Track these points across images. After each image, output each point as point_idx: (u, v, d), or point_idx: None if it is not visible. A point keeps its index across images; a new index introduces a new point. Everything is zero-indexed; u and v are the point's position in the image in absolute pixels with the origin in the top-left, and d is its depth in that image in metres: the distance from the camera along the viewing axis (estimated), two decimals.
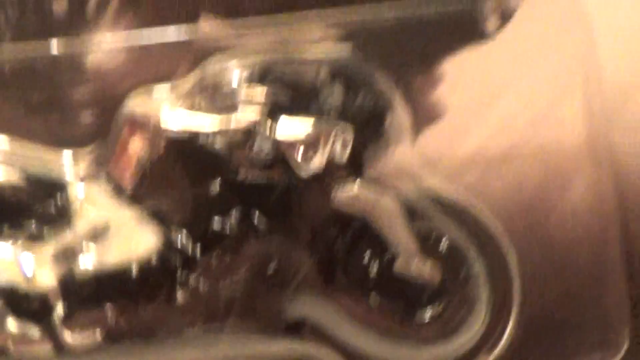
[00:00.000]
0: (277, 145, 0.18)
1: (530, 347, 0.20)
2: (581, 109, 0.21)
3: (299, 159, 0.18)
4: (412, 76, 0.21)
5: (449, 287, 0.19)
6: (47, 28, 0.22)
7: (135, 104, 0.19)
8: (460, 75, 0.21)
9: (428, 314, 0.19)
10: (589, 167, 0.21)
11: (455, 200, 0.20)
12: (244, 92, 0.18)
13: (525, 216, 0.21)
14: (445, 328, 0.19)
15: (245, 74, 0.18)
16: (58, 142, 0.22)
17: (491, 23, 0.22)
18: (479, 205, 0.20)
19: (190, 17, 0.22)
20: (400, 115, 0.20)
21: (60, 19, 0.22)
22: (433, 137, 0.21)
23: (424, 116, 0.21)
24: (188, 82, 0.20)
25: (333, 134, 0.18)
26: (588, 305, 0.21)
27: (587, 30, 0.21)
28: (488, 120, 0.22)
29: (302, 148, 0.18)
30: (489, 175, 0.21)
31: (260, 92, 0.18)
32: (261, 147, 0.18)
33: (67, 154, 0.20)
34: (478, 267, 0.19)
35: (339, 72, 0.19)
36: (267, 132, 0.18)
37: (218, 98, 0.19)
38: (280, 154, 0.18)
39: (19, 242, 0.19)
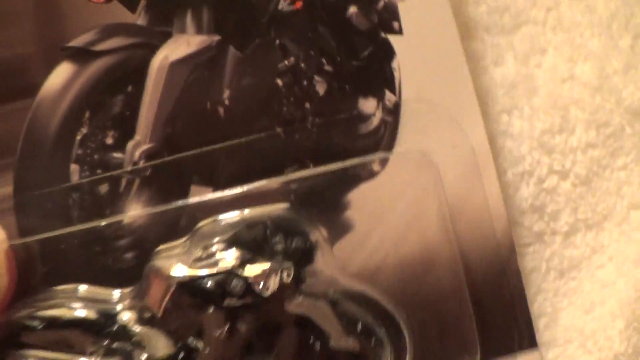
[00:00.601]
0: (246, 281, 0.28)
1: None
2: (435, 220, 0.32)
3: (261, 287, 0.28)
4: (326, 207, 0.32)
5: (365, 352, 0.29)
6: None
7: (157, 259, 0.30)
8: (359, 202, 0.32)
9: None
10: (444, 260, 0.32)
11: (363, 292, 0.30)
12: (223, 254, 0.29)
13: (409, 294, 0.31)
14: None
15: (221, 239, 0.29)
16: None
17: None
18: (378, 293, 0.31)
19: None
20: (322, 245, 0.30)
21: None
22: (342, 249, 0.31)
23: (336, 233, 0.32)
24: (185, 242, 0.31)
25: (280, 268, 0.29)
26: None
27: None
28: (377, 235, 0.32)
29: (262, 281, 0.28)
30: (383, 271, 0.31)
31: (233, 253, 0.29)
32: (236, 284, 0.28)
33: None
34: (382, 336, 0.29)
35: (279, 226, 0.30)
36: (239, 273, 0.28)
37: (204, 254, 0.29)
38: (249, 286, 0.28)
39: None
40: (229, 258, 0.28)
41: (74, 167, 0.32)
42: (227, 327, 0.28)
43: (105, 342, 0.29)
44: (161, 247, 0.30)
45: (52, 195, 0.32)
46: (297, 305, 0.29)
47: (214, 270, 0.28)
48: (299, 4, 0.31)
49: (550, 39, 0.35)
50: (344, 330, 0.29)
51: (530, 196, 0.34)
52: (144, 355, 0.28)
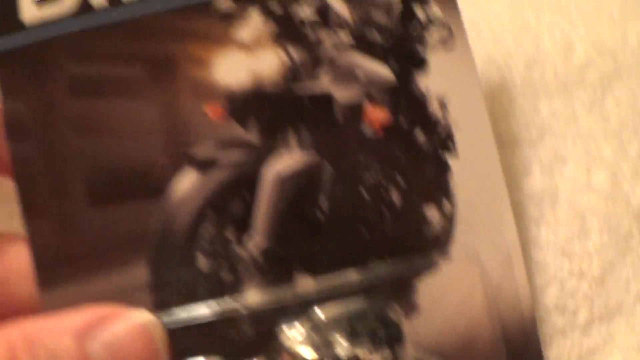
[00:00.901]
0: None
1: None
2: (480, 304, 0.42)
3: None
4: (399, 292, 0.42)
5: None
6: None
7: (284, 339, 0.39)
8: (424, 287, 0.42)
9: None
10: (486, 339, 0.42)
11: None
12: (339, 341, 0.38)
13: None
14: None
15: (337, 326, 0.38)
16: None
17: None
18: None
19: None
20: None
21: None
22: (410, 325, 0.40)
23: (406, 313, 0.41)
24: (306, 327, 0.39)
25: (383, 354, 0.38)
26: None
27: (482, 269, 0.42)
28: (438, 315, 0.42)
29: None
30: (441, 344, 0.41)
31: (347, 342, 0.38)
32: None
33: None
34: None
35: (379, 316, 0.39)
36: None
37: (323, 340, 0.38)
38: None
39: None
40: (346, 346, 0.37)
41: (200, 257, 0.39)
42: None
43: None
44: (283, 326, 0.38)
45: (182, 279, 0.39)
46: None
47: (338, 351, 0.37)
48: (379, 131, 0.40)
49: (570, 150, 0.40)
50: None
51: (554, 297, 0.41)
52: None
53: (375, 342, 0.36)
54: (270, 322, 0.39)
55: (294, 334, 0.38)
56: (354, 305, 0.38)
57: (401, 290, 0.40)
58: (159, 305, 0.39)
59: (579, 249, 0.42)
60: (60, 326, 0.32)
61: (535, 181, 0.42)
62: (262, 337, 0.39)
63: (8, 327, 0.31)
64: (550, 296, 0.42)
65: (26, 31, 0.40)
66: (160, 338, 0.35)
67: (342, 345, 0.36)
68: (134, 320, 0.34)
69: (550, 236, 0.42)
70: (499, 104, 0.43)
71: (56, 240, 0.37)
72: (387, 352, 0.36)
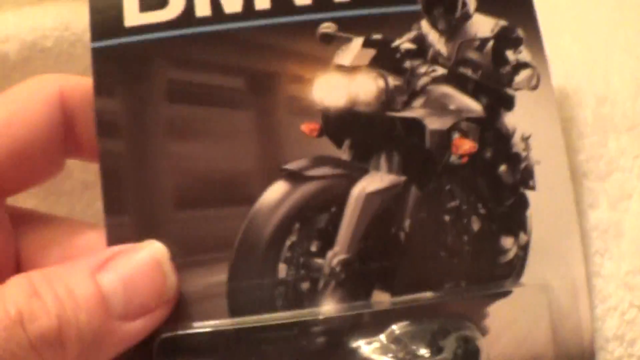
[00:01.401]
0: None
1: None
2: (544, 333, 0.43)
3: None
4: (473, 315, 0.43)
5: None
6: None
7: (364, 349, 0.40)
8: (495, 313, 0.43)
9: None
10: None
11: None
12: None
13: None
14: None
15: (420, 342, 0.39)
16: None
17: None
18: None
19: None
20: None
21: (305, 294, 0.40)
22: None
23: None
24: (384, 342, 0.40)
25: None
26: None
27: (550, 300, 0.43)
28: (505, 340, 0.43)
29: None
30: None
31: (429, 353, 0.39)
32: None
33: None
34: None
35: (459, 333, 0.40)
36: None
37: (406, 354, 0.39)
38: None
39: None
40: (428, 357, 0.38)
41: (282, 266, 0.40)
42: None
43: None
44: (361, 341, 0.39)
45: (261, 287, 0.40)
46: None
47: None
48: (465, 159, 0.41)
49: (636, 185, 0.42)
50: None
51: (614, 327, 0.43)
52: None
53: (456, 358, 0.37)
54: (345, 335, 0.40)
55: (373, 347, 0.38)
56: (432, 323, 0.39)
57: (474, 314, 0.40)
58: (235, 310, 0.40)
59: None
60: (77, 265, 0.33)
61: (602, 214, 0.44)
62: (335, 348, 0.39)
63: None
64: (610, 326, 0.43)
65: (128, 35, 0.41)
66: (169, 267, 0.36)
67: (423, 358, 0.37)
68: (144, 252, 0.35)
69: (614, 268, 0.43)
70: (569, 138, 0.45)
71: (134, 238, 0.37)
72: None
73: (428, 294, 0.40)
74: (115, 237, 0.37)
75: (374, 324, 0.40)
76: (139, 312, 0.34)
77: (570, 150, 0.43)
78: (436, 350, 0.38)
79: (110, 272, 0.34)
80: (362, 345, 0.39)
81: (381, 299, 0.40)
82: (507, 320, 0.41)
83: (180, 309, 0.38)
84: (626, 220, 0.42)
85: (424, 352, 0.38)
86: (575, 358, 0.42)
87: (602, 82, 0.45)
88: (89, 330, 0.32)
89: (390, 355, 0.38)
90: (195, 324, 0.39)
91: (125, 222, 0.38)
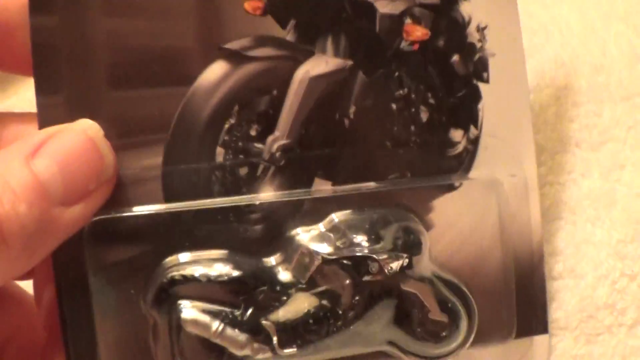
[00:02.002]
0: (379, 264, 0.37)
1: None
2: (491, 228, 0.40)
3: (388, 269, 0.37)
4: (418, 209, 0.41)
5: (450, 323, 0.38)
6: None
7: (304, 240, 0.37)
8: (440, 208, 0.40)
9: (443, 334, 0.37)
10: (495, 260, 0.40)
11: (449, 277, 0.39)
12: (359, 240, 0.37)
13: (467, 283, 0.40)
14: (447, 340, 0.38)
15: (358, 229, 0.37)
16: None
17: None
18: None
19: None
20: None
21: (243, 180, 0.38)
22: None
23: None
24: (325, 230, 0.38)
25: (401, 257, 0.37)
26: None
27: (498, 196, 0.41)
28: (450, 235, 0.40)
29: (390, 265, 0.37)
30: (451, 262, 0.40)
31: (368, 242, 0.37)
32: (373, 265, 0.37)
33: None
34: (462, 313, 0.38)
35: (401, 224, 0.38)
36: (376, 258, 0.37)
37: (346, 240, 0.37)
38: (382, 268, 0.37)
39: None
40: (366, 246, 0.36)
41: (219, 150, 0.38)
42: (360, 296, 0.36)
43: (255, 298, 0.36)
44: (299, 229, 0.37)
45: (198, 171, 0.38)
46: (408, 284, 0.37)
47: (357, 253, 0.36)
48: (416, 46, 0.39)
49: (629, 156, 0.42)
50: (439, 307, 0.37)
51: (605, 295, 0.41)
52: (290, 311, 0.36)
53: (395, 248, 0.35)
54: (283, 222, 0.38)
55: (310, 235, 0.36)
56: (373, 212, 0.37)
57: (418, 207, 0.38)
58: (170, 195, 0.38)
59: (632, 252, 0.42)
60: (9, 154, 0.31)
61: (594, 183, 0.43)
62: (272, 235, 0.38)
63: None
64: (600, 294, 0.42)
65: None
66: (104, 145, 0.34)
67: (361, 246, 0.35)
68: (77, 132, 0.33)
69: (605, 237, 0.42)
70: (563, 106, 0.43)
71: (67, 119, 0.35)
72: (405, 260, 0.35)
73: (371, 184, 0.38)
74: (48, 118, 0.35)
75: (314, 212, 0.38)
76: (79, 196, 0.32)
77: (563, 119, 0.42)
78: (375, 239, 0.36)
79: (44, 157, 0.31)
80: (301, 232, 0.37)
81: (323, 187, 0.38)
82: (452, 215, 0.40)
83: (113, 193, 0.36)
84: (618, 190, 0.42)
85: (361, 239, 0.36)
86: (523, 260, 0.41)
87: (598, 51, 0.44)
88: (31, 221, 0.30)
89: (328, 243, 0.36)
90: (128, 208, 0.37)
91: (58, 102, 0.35)
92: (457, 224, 0.40)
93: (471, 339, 0.38)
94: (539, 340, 0.42)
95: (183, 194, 0.38)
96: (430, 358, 0.37)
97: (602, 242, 0.41)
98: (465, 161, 0.40)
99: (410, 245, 0.36)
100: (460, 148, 0.39)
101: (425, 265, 0.37)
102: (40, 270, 0.37)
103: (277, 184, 0.38)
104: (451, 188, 0.40)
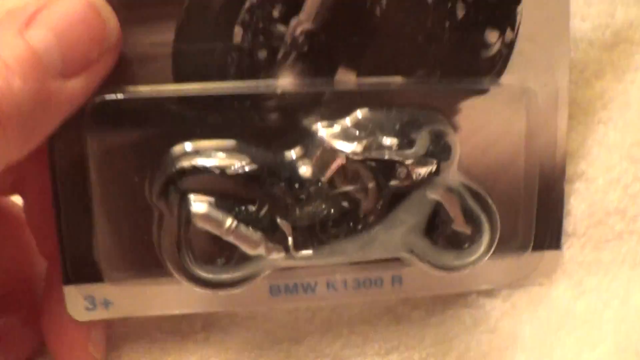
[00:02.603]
0: (408, 168, 0.34)
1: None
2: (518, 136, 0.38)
3: (416, 175, 0.34)
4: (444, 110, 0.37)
5: (473, 234, 0.35)
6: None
7: (325, 134, 0.34)
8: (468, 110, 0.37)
9: (465, 246, 0.35)
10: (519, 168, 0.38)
11: (475, 187, 0.36)
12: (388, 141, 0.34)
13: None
14: (467, 252, 0.36)
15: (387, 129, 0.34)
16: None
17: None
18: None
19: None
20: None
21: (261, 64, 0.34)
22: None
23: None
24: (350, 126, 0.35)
25: (430, 162, 0.34)
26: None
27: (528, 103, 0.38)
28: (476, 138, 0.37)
29: (418, 170, 0.34)
30: (472, 168, 0.37)
31: (397, 143, 0.34)
32: (401, 170, 0.34)
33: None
34: (485, 224, 0.36)
35: (432, 128, 0.35)
36: (404, 162, 0.34)
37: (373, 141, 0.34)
38: (409, 173, 0.34)
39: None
40: (396, 149, 0.33)
41: (237, 30, 0.34)
42: (383, 201, 0.33)
43: (271, 195, 0.33)
44: (320, 124, 0.34)
45: (212, 51, 0.34)
46: (434, 192, 0.34)
47: (386, 156, 0.33)
48: None
49: None
50: (463, 217, 0.35)
51: (616, 200, 0.39)
52: (307, 210, 0.33)
53: (426, 154, 0.32)
54: (302, 113, 0.35)
55: (334, 130, 0.33)
56: (402, 112, 0.34)
57: (445, 108, 0.36)
58: (181, 75, 0.34)
59: None
60: (0, 26, 0.28)
61: (607, 84, 0.40)
62: (289, 127, 0.35)
63: None
64: (612, 199, 0.40)
65: None
66: (106, 8, 0.30)
67: (389, 149, 0.32)
68: None
69: (618, 139, 0.40)
70: (576, 4, 0.40)
71: None
72: (433, 166, 0.32)
73: (398, 79, 0.35)
74: None
75: (336, 106, 0.35)
76: (80, 66, 0.29)
77: (575, 17, 0.39)
78: (407, 143, 0.33)
79: (40, 26, 0.28)
80: (320, 127, 0.33)
81: (346, 78, 0.35)
82: (479, 119, 0.37)
83: (118, 71, 0.32)
84: (632, 91, 0.39)
85: (390, 142, 0.32)
86: (545, 170, 0.38)
87: None
88: (26, 97, 0.27)
89: (352, 140, 0.32)
90: (134, 88, 0.33)
91: None
92: (483, 129, 0.37)
93: (490, 253, 0.35)
94: (550, 255, 0.40)
95: (195, 75, 0.34)
96: (447, 268, 0.35)
97: (615, 144, 0.39)
98: (497, 65, 0.36)
99: (440, 151, 0.34)
100: (494, 50, 0.36)
101: (453, 173, 0.34)
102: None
103: (298, 71, 0.34)
104: (481, 91, 0.36)
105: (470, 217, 0.35)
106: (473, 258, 0.35)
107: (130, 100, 0.33)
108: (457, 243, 0.35)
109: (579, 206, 0.40)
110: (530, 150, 0.38)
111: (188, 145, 0.33)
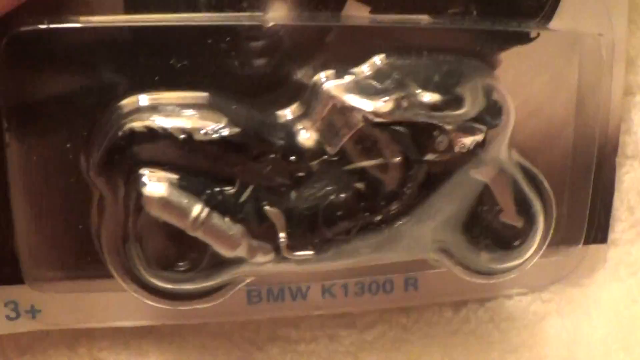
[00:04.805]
0: (450, 138, 0.24)
1: None
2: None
3: (459, 147, 0.24)
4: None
5: (524, 230, 0.26)
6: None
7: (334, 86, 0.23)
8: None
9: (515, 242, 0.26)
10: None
11: (534, 171, 0.26)
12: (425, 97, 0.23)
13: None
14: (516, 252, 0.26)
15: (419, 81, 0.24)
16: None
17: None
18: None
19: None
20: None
21: None
22: None
23: None
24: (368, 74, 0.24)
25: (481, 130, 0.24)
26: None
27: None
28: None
29: (463, 141, 0.24)
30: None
31: (439, 102, 0.23)
32: (442, 140, 0.23)
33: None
34: (540, 217, 0.26)
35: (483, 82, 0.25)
36: (446, 129, 0.23)
37: (401, 96, 0.24)
38: (451, 144, 0.24)
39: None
40: (435, 109, 0.23)
41: None
42: (412, 182, 0.23)
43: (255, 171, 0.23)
44: (328, 72, 0.24)
45: None
46: (480, 171, 0.24)
47: (420, 118, 0.22)
48: None
49: None
50: (514, 206, 0.25)
51: None
52: (307, 194, 0.23)
53: (479, 115, 0.22)
54: (298, 58, 0.24)
55: (346, 81, 0.23)
56: (442, 60, 0.24)
57: (479, 58, 0.26)
58: (133, 3, 0.24)
59: None
60: None
61: None
62: (281, 75, 0.24)
63: None
64: None
65: None
66: None
67: (425, 106, 0.22)
68: None
69: None
70: None
71: None
72: (480, 135, 0.22)
73: (424, 18, 0.25)
74: None
75: (344, 47, 0.25)
76: None
77: None
78: (453, 100, 0.22)
79: None
80: (324, 77, 0.23)
81: (357, 12, 0.25)
82: (523, 74, 0.27)
83: None
84: None
85: (431, 98, 0.22)
86: (598, 130, 0.29)
87: None
88: None
89: (372, 95, 0.22)
90: (67, 18, 0.23)
91: None
92: (528, 87, 0.27)
93: (540, 254, 0.26)
94: (595, 250, 0.31)
95: (153, 2, 0.24)
96: (489, 273, 0.25)
97: None
98: (546, 6, 0.27)
99: (492, 116, 0.23)
100: None
101: (503, 147, 0.25)
102: None
103: (293, 1, 0.24)
104: (525, 39, 0.27)
105: (523, 207, 0.25)
106: (522, 260, 0.25)
107: (60, 32, 0.23)
108: (505, 240, 0.25)
109: (631, 189, 0.31)
110: (580, 117, 0.28)
111: (142, 99, 0.23)
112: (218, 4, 0.24)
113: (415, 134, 0.23)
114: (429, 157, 0.23)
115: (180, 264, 0.23)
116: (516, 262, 0.26)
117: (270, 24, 0.24)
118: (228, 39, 0.24)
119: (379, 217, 0.24)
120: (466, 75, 0.24)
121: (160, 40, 0.24)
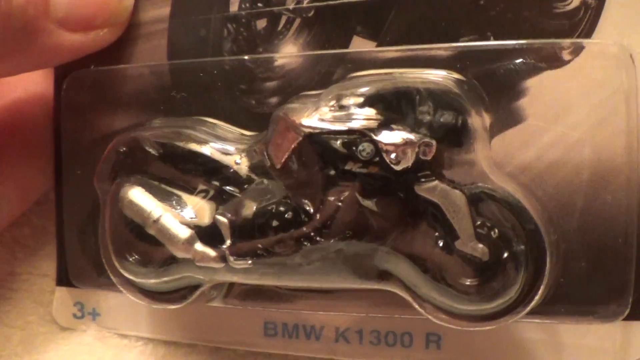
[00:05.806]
0: (377, 146, 0.22)
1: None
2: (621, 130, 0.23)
3: (393, 157, 0.22)
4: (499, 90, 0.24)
5: (492, 265, 0.22)
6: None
7: (289, 108, 0.24)
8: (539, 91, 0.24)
9: (474, 282, 0.22)
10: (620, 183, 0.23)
11: (514, 197, 0.22)
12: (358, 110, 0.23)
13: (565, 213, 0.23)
14: (486, 293, 0.22)
15: (361, 94, 0.23)
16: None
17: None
18: (532, 201, 0.23)
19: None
20: (476, 129, 0.23)
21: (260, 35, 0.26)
22: (504, 141, 0.24)
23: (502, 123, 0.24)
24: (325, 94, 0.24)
25: (421, 142, 0.22)
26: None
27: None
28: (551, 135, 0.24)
29: (396, 152, 0.22)
30: (544, 178, 0.24)
31: (368, 112, 0.23)
32: (365, 148, 0.22)
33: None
34: (520, 253, 0.22)
35: (433, 95, 0.23)
36: (372, 136, 0.22)
37: (338, 106, 0.24)
38: (380, 153, 0.22)
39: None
40: (362, 116, 0.22)
41: None
42: (343, 195, 0.22)
43: (216, 184, 0.24)
44: (301, 94, 0.24)
45: (208, 23, 0.27)
46: (429, 190, 0.22)
47: (344, 127, 0.22)
48: None
49: None
50: (475, 234, 0.22)
51: None
52: (254, 206, 0.23)
53: (416, 125, 0.21)
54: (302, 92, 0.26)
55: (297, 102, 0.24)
56: (405, 79, 0.23)
57: (501, 87, 0.24)
58: (175, 53, 0.28)
59: None
60: None
61: None
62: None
63: None
64: None
65: None
66: None
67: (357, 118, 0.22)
68: None
69: None
70: None
71: None
72: (425, 147, 0.21)
73: (430, 47, 0.24)
74: None
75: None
76: (81, 25, 0.27)
77: None
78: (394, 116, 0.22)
79: None
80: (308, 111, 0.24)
81: (363, 48, 0.25)
82: (556, 104, 0.24)
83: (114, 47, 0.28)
84: None
85: (368, 112, 0.22)
86: None
87: None
88: (19, 13, 0.25)
89: (314, 112, 0.23)
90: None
91: None
92: (563, 118, 0.24)
93: (534, 301, 0.22)
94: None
95: (188, 50, 0.28)
96: (455, 315, 0.22)
97: None
98: (583, 21, 0.24)
99: (441, 129, 0.22)
100: (575, 1, 0.24)
101: (468, 168, 0.23)
102: None
103: (304, 43, 0.25)
104: (558, 62, 0.24)
105: (486, 233, 0.22)
106: (494, 303, 0.22)
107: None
108: (465, 274, 0.22)
109: None
110: (635, 154, 0.23)
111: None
112: (239, 49, 0.27)
113: (345, 144, 0.23)
114: (350, 167, 0.22)
115: (145, 259, 0.25)
116: (483, 306, 0.22)
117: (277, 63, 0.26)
118: (245, 80, 0.26)
119: (313, 232, 0.23)
120: (420, 91, 0.23)
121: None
